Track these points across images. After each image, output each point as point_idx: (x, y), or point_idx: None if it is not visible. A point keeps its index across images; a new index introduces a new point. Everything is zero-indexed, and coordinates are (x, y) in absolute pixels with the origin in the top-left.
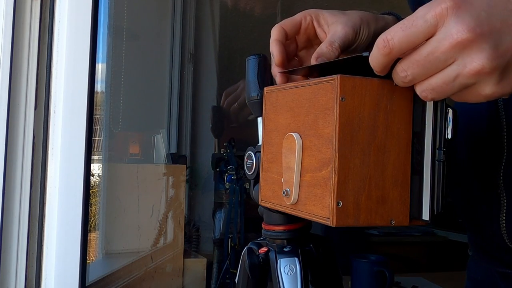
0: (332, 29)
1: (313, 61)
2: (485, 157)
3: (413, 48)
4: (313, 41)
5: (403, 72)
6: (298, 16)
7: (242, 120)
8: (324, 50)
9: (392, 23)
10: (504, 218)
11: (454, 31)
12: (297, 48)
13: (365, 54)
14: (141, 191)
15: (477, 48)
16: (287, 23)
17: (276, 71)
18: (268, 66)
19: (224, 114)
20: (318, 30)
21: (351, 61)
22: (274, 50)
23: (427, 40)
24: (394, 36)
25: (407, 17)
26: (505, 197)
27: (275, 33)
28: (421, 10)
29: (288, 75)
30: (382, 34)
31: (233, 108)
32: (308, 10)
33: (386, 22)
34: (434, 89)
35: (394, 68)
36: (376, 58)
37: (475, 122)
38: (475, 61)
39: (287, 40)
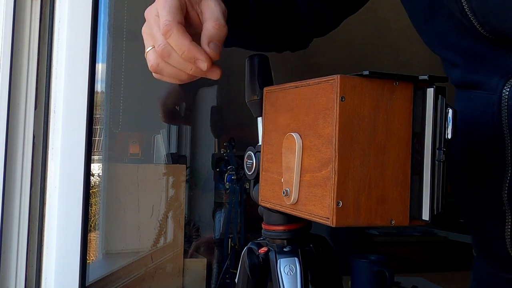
0: (206, 5)
1: (205, 47)
2: (488, 173)
3: None
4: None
5: None
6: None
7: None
8: (213, 32)
9: None
10: (509, 232)
11: None
12: None
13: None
14: (141, 191)
15: None
16: (177, 14)
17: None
18: (268, 66)
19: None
20: (192, 13)
21: None
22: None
23: None
24: None
25: None
26: (510, 213)
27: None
28: None
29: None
30: None
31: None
32: None
33: None
34: None
35: None
36: None
37: (476, 138)
38: None
39: None
